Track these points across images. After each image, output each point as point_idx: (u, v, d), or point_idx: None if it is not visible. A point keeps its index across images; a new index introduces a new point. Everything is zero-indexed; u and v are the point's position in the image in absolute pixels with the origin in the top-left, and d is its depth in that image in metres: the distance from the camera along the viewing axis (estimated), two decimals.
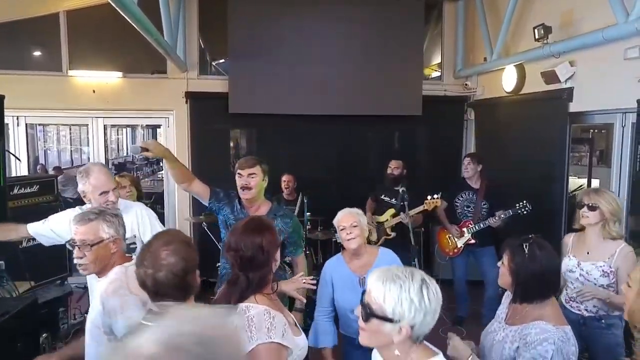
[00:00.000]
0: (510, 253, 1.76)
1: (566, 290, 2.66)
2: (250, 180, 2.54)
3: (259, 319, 1.55)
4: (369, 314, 1.30)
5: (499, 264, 1.84)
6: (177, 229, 1.58)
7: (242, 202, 2.68)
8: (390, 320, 1.26)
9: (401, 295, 1.26)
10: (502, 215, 3.99)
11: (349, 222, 2.44)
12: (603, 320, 2.50)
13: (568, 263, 2.60)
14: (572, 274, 2.58)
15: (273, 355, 1.52)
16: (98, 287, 1.86)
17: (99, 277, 1.91)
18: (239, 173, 2.58)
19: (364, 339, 1.35)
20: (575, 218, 2.64)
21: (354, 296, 2.41)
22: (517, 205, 3.90)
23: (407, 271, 1.32)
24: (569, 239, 2.70)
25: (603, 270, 2.47)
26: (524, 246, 1.72)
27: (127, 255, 1.98)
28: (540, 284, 1.69)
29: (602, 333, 2.47)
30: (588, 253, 2.54)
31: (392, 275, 1.30)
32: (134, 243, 2.37)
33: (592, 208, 2.49)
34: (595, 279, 2.49)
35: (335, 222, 2.54)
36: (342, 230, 2.46)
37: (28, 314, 2.72)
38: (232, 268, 1.70)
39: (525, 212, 3.86)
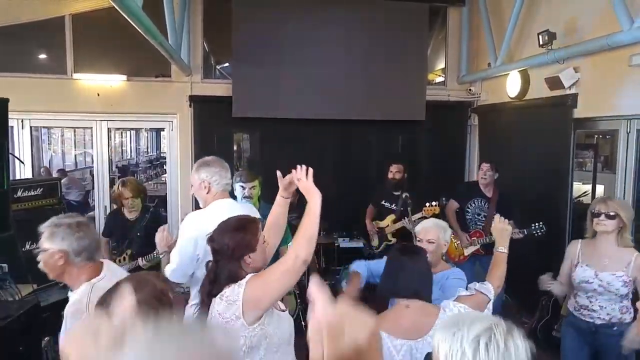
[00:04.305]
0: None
1: (575, 298, 2.62)
2: (252, 191, 3.25)
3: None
4: None
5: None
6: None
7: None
8: None
9: (453, 345, 1.06)
10: (517, 236, 3.57)
11: (427, 236, 2.40)
12: (615, 327, 2.47)
13: (583, 274, 2.54)
14: (589, 285, 2.52)
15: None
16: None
17: (71, 289, 1.85)
18: (242, 185, 3.21)
19: None
20: (586, 227, 2.59)
21: None
22: (533, 225, 3.70)
23: (476, 317, 1.12)
24: (576, 247, 2.64)
25: (624, 281, 2.44)
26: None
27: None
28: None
29: (614, 340, 2.44)
30: (606, 262, 2.48)
31: (454, 321, 1.11)
32: None
33: (611, 216, 2.45)
34: (617, 289, 2.45)
35: (416, 230, 2.53)
36: (418, 241, 2.43)
37: (30, 317, 2.72)
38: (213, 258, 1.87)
39: (540, 234, 3.67)
